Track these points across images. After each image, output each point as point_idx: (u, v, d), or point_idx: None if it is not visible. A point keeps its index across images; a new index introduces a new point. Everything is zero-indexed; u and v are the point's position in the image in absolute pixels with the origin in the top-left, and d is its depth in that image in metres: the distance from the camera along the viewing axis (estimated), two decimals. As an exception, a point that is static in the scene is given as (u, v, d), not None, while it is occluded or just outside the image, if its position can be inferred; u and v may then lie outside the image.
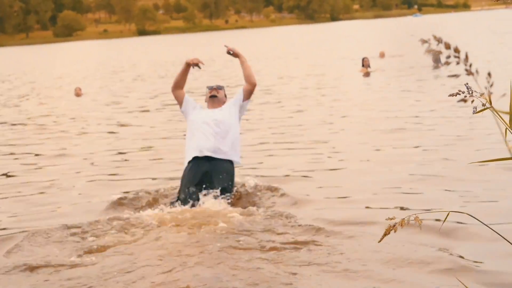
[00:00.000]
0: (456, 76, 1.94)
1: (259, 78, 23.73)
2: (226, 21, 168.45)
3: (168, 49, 63.01)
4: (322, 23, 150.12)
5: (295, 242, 5.29)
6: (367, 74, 21.96)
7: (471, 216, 2.22)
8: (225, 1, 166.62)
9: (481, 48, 28.56)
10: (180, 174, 6.87)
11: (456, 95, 2.81)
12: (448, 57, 1.92)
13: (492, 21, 69.54)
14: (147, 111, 16.61)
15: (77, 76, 33.00)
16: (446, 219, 2.79)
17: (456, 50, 1.95)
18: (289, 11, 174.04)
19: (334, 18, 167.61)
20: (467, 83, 2.72)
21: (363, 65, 22.65)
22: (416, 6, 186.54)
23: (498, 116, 2.28)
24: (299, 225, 5.74)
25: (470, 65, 1.97)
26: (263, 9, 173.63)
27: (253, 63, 32.45)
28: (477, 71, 1.93)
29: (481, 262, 4.63)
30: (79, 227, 6.00)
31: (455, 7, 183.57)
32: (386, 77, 20.47)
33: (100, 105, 18.52)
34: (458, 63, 1.93)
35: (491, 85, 1.93)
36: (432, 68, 21.54)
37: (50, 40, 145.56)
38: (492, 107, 2.53)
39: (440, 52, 1.88)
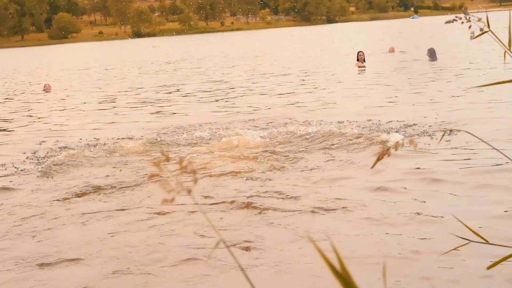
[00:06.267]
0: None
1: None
2: (222, 23, 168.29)
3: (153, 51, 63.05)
4: (319, 25, 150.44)
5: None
6: (362, 68, 21.72)
7: (468, 132, 1.98)
8: (220, 3, 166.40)
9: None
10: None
11: (453, 21, 2.56)
12: None
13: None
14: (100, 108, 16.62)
15: (54, 75, 33.70)
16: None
17: None
18: (285, 13, 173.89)
19: (330, 20, 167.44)
20: (465, 7, 2.54)
21: (358, 59, 22.39)
22: (412, 8, 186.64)
23: (497, 39, 2.15)
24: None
25: None
26: (259, 11, 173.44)
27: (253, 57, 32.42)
28: None
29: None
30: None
31: (451, 9, 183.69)
32: (379, 71, 20.41)
33: (63, 99, 19.51)
34: None
35: None
36: (428, 61, 21.88)
37: (45, 42, 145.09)
38: (490, 30, 2.38)
39: None
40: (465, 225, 2.32)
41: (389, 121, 9.96)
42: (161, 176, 1.16)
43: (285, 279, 4.22)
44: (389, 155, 2.37)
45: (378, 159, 2.43)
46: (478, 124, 9.18)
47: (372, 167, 2.56)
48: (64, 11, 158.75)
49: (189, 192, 1.09)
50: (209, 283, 4.23)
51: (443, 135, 2.28)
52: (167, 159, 1.09)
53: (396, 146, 2.40)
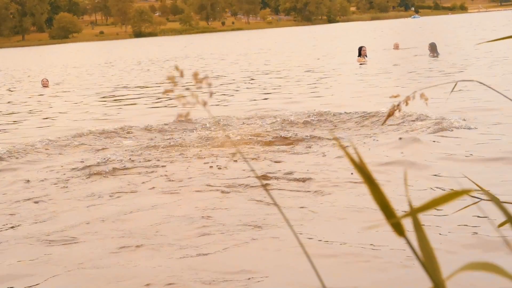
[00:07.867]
0: None
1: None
2: (223, 23, 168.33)
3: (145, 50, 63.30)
4: (319, 25, 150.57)
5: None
6: (363, 63, 21.73)
7: (480, 82, 1.95)
8: (221, 3, 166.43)
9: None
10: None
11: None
12: None
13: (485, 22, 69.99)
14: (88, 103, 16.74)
15: (53, 71, 33.94)
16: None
17: None
18: (286, 13, 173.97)
19: (331, 20, 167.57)
20: None
21: (359, 54, 22.39)
22: (413, 8, 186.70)
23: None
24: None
25: None
26: (259, 11, 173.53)
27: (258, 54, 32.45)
28: None
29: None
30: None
31: (452, 9, 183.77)
32: (379, 66, 20.46)
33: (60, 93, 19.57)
34: None
35: None
36: (428, 56, 22.04)
37: (46, 42, 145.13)
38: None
39: None
40: (475, 183, 2.31)
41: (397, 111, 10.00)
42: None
43: (292, 256, 4.20)
44: (399, 110, 2.35)
45: (389, 115, 2.41)
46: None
47: (383, 124, 2.57)
48: (65, 11, 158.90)
49: (205, 104, 1.07)
50: (212, 260, 4.21)
51: (455, 85, 2.32)
52: (181, 74, 1.08)
53: (407, 100, 2.38)
